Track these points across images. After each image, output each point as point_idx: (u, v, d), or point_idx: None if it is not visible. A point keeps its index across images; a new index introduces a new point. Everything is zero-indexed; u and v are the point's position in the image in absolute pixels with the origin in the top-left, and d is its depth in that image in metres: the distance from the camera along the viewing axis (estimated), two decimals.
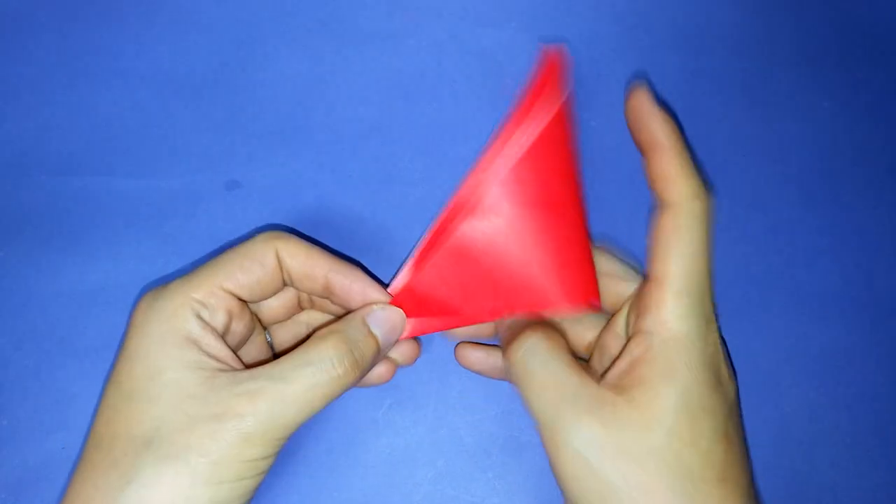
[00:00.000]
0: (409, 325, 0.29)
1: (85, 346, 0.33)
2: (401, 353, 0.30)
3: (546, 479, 0.31)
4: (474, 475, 0.32)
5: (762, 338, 0.34)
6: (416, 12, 0.38)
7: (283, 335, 0.31)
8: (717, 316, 0.25)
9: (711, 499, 0.23)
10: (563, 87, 0.28)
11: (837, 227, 0.36)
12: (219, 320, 0.26)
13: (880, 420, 0.33)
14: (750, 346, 0.34)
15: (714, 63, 0.38)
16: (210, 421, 0.23)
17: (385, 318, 0.28)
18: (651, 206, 0.26)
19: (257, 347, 0.30)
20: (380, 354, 0.27)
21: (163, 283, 0.26)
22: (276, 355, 0.31)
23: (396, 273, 0.29)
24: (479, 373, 0.32)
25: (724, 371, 0.25)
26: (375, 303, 0.28)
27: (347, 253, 0.34)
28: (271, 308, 0.30)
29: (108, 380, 0.25)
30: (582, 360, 0.31)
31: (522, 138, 0.27)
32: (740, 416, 0.26)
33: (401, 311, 0.28)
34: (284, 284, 0.29)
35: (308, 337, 0.27)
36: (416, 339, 0.31)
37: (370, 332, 0.27)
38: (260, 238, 0.28)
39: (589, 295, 0.28)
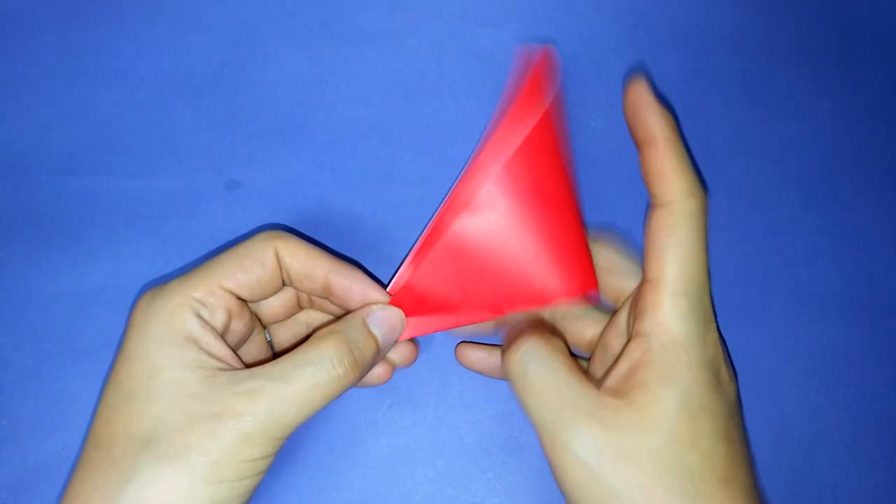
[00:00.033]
0: (409, 325, 0.29)
1: (85, 346, 0.33)
2: (399, 354, 0.30)
3: (546, 479, 0.31)
4: (474, 475, 0.32)
5: (762, 338, 0.34)
6: (416, 12, 0.38)
7: (283, 334, 0.31)
8: (715, 316, 0.25)
9: (713, 500, 0.22)
10: (551, 85, 0.28)
11: (837, 227, 0.36)
12: (218, 319, 0.26)
13: (880, 420, 0.33)
14: (750, 346, 0.34)
15: (714, 63, 0.38)
16: (210, 420, 0.23)
17: (385, 319, 0.28)
18: (649, 205, 0.26)
19: (257, 347, 0.30)
20: (379, 355, 0.27)
21: (162, 282, 0.26)
22: (275, 355, 0.31)
23: (395, 273, 0.29)
24: (479, 373, 0.32)
25: (725, 372, 0.25)
26: (375, 303, 0.28)
27: (347, 253, 0.34)
28: (271, 307, 0.30)
29: (107, 379, 0.25)
30: (583, 359, 0.31)
31: (514, 135, 0.27)
32: (742, 416, 0.25)
33: (400, 311, 0.28)
34: (284, 284, 0.29)
35: (308, 336, 0.27)
36: (413, 340, 0.31)
37: (370, 333, 0.27)
38: (260, 237, 0.28)
39: (587, 287, 0.28)
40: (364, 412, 0.33)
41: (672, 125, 0.25)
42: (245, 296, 0.27)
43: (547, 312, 0.31)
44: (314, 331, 0.27)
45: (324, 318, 0.31)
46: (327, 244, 0.34)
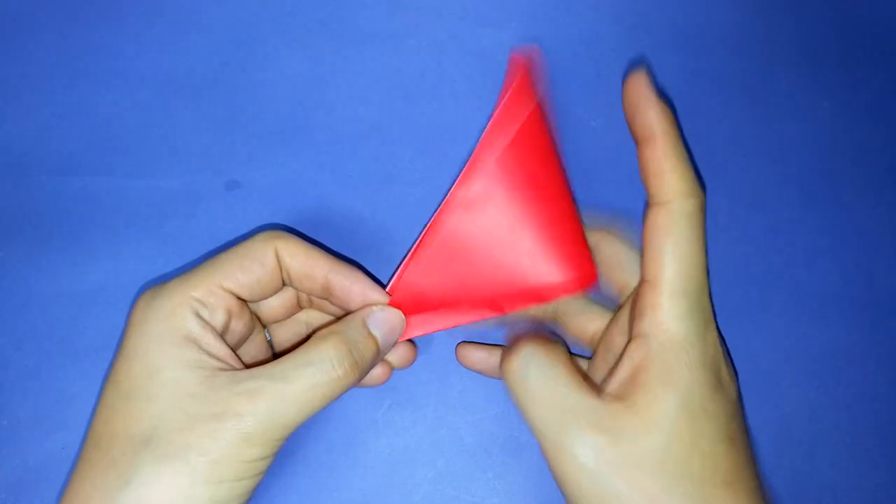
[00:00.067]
0: (409, 325, 0.29)
1: (85, 346, 0.33)
2: (397, 355, 0.30)
3: (546, 480, 0.31)
4: (474, 475, 0.32)
5: (762, 338, 0.34)
6: (416, 12, 0.38)
7: (283, 334, 0.31)
8: (715, 316, 0.25)
9: (716, 501, 0.22)
10: (539, 84, 0.29)
11: (837, 227, 0.36)
12: (218, 319, 0.26)
13: (880, 420, 0.33)
14: (750, 346, 0.34)
15: (714, 63, 0.38)
16: (209, 420, 0.23)
17: (385, 320, 0.28)
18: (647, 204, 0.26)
19: (257, 346, 0.30)
20: (379, 356, 0.27)
21: (162, 282, 0.26)
22: (276, 355, 0.31)
23: (394, 272, 0.29)
24: (480, 372, 0.32)
25: (725, 372, 0.25)
26: (375, 304, 0.28)
27: (347, 253, 0.34)
28: (271, 307, 0.30)
29: (106, 379, 0.25)
30: (584, 358, 0.31)
31: (506, 131, 0.27)
32: (744, 417, 0.25)
33: (400, 312, 0.28)
34: (284, 284, 0.29)
35: (308, 336, 0.27)
36: (411, 341, 0.31)
37: (370, 334, 0.27)
38: (260, 237, 0.28)
39: (585, 278, 0.28)
40: (364, 412, 0.33)
41: (671, 121, 0.25)
42: (245, 296, 0.27)
43: (548, 307, 0.31)
44: (314, 331, 0.27)
45: (324, 318, 0.31)
46: (327, 244, 0.34)
